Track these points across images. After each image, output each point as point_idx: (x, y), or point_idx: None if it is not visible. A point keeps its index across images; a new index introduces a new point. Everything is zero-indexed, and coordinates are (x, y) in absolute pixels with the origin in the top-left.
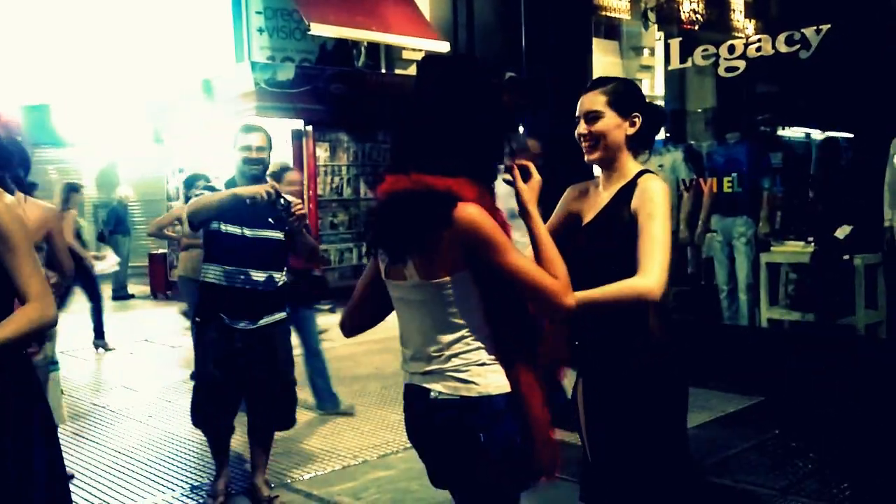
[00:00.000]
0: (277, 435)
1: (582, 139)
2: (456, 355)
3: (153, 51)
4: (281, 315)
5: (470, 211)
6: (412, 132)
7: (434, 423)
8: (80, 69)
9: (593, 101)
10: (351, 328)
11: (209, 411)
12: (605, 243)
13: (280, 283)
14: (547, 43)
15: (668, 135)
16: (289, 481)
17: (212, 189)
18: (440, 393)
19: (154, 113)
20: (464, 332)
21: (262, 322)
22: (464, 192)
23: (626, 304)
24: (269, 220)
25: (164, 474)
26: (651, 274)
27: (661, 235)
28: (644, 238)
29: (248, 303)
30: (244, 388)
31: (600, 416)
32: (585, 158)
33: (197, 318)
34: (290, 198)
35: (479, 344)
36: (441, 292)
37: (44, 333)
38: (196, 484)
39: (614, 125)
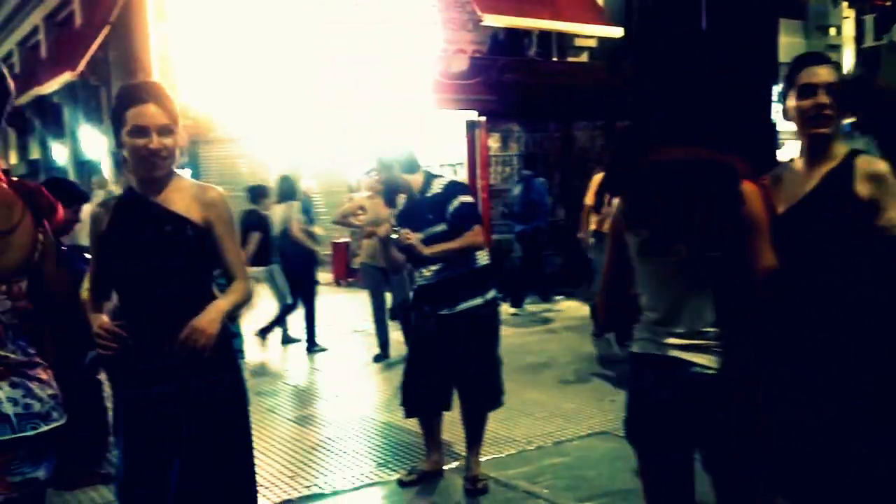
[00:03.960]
0: (453, 417)
1: (821, 110)
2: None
3: (333, 47)
4: (475, 301)
5: (752, 191)
6: (688, 107)
7: (694, 394)
8: (265, 68)
9: (830, 73)
10: (608, 321)
11: (411, 393)
12: (827, 224)
13: (458, 271)
14: (728, 25)
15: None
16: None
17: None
18: (704, 367)
19: (335, 107)
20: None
21: (459, 308)
22: (741, 168)
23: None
24: (429, 216)
25: (350, 450)
26: None
27: None
28: None
29: (439, 292)
30: (450, 371)
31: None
32: (814, 131)
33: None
34: (401, 232)
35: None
36: (710, 268)
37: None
38: (381, 461)
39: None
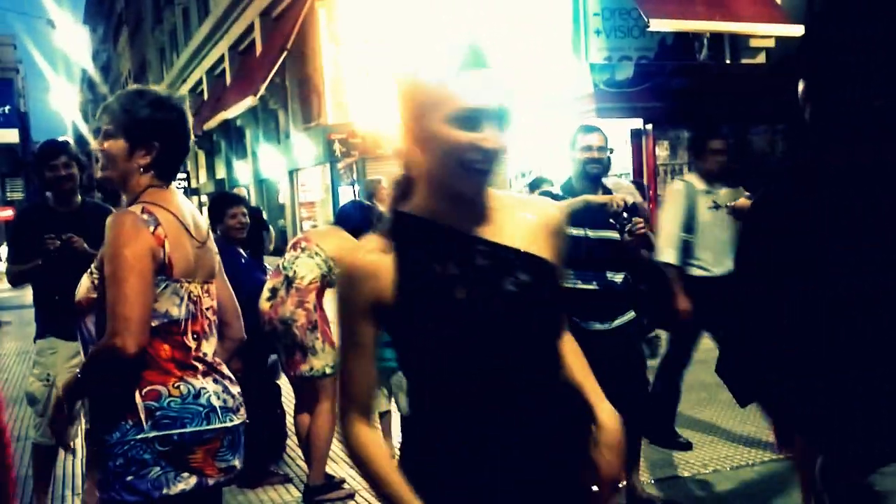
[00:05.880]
0: None
1: None
2: None
3: (495, 60)
4: (631, 315)
5: None
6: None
7: None
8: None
9: None
10: None
11: None
12: None
13: (623, 284)
14: None
15: None
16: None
17: (549, 195)
18: None
19: None
20: None
21: (617, 322)
22: None
23: None
24: (609, 220)
25: None
26: None
27: None
28: None
29: (597, 303)
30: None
31: None
32: None
33: None
34: (635, 220)
35: None
36: None
37: None
38: None
39: None
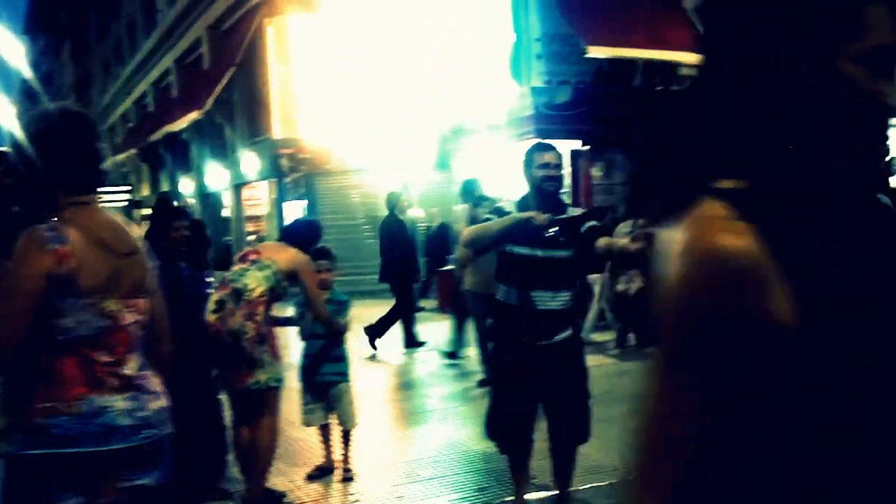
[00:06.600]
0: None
1: None
2: None
3: (439, 82)
4: (570, 331)
5: None
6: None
7: None
8: (377, 102)
9: None
10: None
11: (502, 425)
12: None
13: (570, 302)
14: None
15: None
16: (570, 490)
17: (500, 211)
18: None
19: (441, 140)
20: None
21: (557, 338)
22: None
23: None
24: (560, 239)
25: (450, 476)
26: None
27: None
28: None
29: (541, 322)
30: (541, 403)
31: None
32: None
33: (493, 337)
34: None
35: None
36: None
37: None
38: (483, 486)
39: None
